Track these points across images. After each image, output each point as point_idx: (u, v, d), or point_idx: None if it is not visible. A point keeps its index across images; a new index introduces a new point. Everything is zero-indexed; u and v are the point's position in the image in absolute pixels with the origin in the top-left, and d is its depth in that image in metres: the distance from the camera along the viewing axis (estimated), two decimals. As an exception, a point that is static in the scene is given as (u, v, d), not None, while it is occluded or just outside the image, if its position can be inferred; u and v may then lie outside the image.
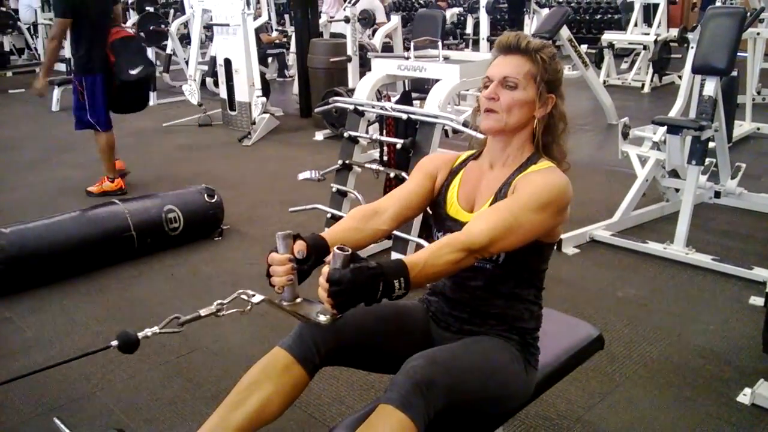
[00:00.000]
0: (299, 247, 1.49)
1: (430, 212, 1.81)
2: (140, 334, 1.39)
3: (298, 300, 1.48)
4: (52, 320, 3.10)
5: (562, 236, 3.71)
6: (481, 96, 1.65)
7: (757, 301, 3.08)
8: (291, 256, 1.47)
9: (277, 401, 1.59)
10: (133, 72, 4.63)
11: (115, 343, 1.40)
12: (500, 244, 1.49)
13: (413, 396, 1.40)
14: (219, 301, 1.49)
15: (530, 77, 1.60)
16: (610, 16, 12.34)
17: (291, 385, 1.60)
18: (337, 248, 1.33)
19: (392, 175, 3.57)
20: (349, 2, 7.19)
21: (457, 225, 1.64)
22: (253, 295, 1.47)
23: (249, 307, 1.48)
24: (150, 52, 8.72)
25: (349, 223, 1.68)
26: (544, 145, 1.66)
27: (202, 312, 1.47)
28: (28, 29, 11.74)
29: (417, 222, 3.29)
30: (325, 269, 1.33)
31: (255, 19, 6.93)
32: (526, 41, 1.61)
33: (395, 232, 3.33)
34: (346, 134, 3.67)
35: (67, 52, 10.24)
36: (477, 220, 1.51)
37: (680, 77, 5.43)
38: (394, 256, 3.32)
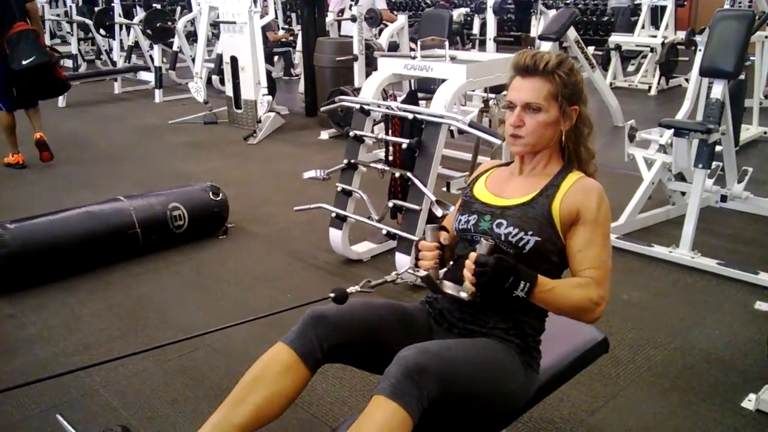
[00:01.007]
0: (446, 235, 1.75)
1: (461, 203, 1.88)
2: (350, 289, 1.68)
3: (442, 282, 1.71)
4: (55, 317, 3.10)
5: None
6: (507, 120, 1.73)
7: (763, 306, 3.06)
8: (438, 244, 1.71)
9: (279, 398, 1.59)
10: (25, 62, 5.13)
11: (332, 295, 1.65)
12: (608, 287, 1.66)
13: (404, 384, 1.41)
14: (396, 272, 1.83)
15: (551, 98, 1.66)
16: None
17: (293, 382, 1.61)
18: (484, 238, 1.60)
19: (397, 174, 3.56)
20: (354, 1, 7.18)
21: (486, 207, 1.74)
22: (419, 270, 1.72)
23: (416, 279, 1.87)
24: (156, 49, 8.75)
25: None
26: (572, 150, 1.75)
27: (387, 278, 1.80)
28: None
29: (422, 221, 3.28)
30: (473, 254, 1.53)
31: (262, 17, 6.92)
32: (544, 63, 1.65)
33: (398, 232, 3.32)
34: (351, 133, 3.66)
35: (73, 48, 10.36)
36: (590, 273, 1.63)
37: (687, 80, 5.42)
38: (398, 256, 3.32)
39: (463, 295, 1.63)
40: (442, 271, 1.76)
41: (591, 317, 1.61)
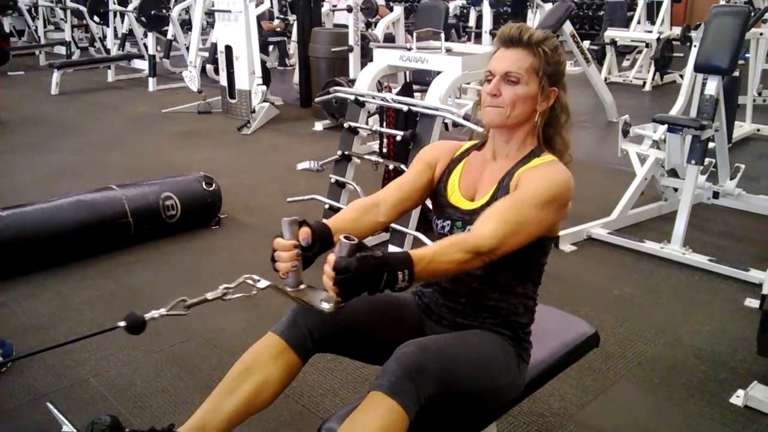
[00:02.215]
0: (305, 234, 1.52)
1: (430, 201, 1.81)
2: (147, 316, 1.40)
3: (302, 286, 1.48)
4: (47, 305, 3.09)
5: (560, 233, 3.70)
6: (483, 90, 1.65)
7: (753, 303, 3.08)
8: (296, 242, 1.50)
9: (270, 387, 1.59)
10: None
11: (122, 324, 1.41)
12: (508, 246, 1.49)
13: (403, 382, 1.40)
14: (225, 285, 1.49)
15: (532, 71, 1.59)
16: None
17: (284, 371, 1.61)
18: (344, 237, 1.36)
19: (391, 167, 3.56)
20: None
21: (458, 212, 1.66)
22: (258, 281, 1.47)
23: (254, 292, 1.47)
24: (150, 37, 8.70)
25: (349, 214, 1.70)
26: (546, 137, 1.66)
27: (209, 295, 1.46)
28: (29, 11, 11.67)
29: (415, 215, 3.28)
30: (331, 257, 1.35)
31: (257, 6, 6.88)
32: (528, 34, 1.60)
33: (393, 225, 3.32)
34: (345, 125, 3.65)
35: (66, 35, 10.30)
36: (484, 222, 1.50)
37: (682, 76, 5.43)
38: (392, 249, 3.32)
39: (325, 306, 1.40)
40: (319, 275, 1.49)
41: (472, 267, 1.48)
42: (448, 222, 1.68)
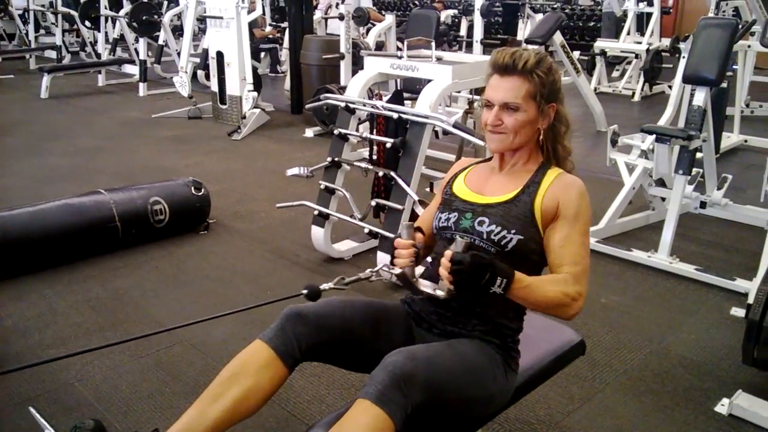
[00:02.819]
0: (420, 238, 1.77)
1: (441, 201, 1.87)
2: (322, 286, 1.72)
3: (415, 279, 1.70)
4: (32, 309, 3.07)
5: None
6: (483, 118, 1.73)
7: (739, 312, 3.10)
8: (413, 242, 1.71)
9: (256, 395, 1.59)
10: None
11: (305, 291, 1.71)
12: (587, 282, 1.66)
13: (391, 390, 1.41)
14: (371, 269, 1.84)
15: (530, 98, 1.66)
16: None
17: (270, 379, 1.60)
18: (459, 236, 1.60)
19: (381, 174, 3.56)
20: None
21: (467, 204, 1.74)
22: (393, 268, 1.71)
23: (391, 277, 1.75)
24: (141, 43, 8.69)
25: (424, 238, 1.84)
26: (549, 147, 1.75)
27: (362, 275, 1.81)
28: (21, 16, 11.63)
29: (404, 221, 3.28)
30: (448, 252, 1.51)
31: (249, 12, 6.89)
32: (523, 62, 1.64)
33: (381, 231, 3.32)
34: (336, 131, 3.65)
35: (57, 39, 10.27)
36: (568, 268, 1.63)
37: (670, 87, 5.46)
38: (380, 255, 3.32)
39: (440, 293, 1.62)
40: (418, 270, 1.76)
41: (568, 313, 1.60)
42: (455, 214, 1.74)
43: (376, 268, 1.83)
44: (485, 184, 1.77)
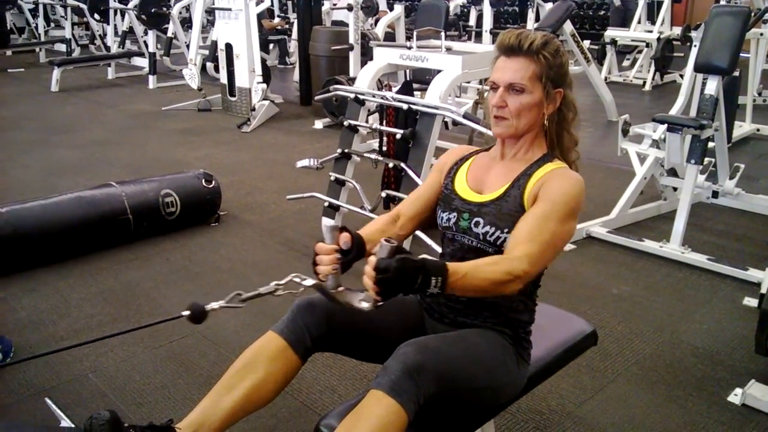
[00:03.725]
0: (346, 239, 1.57)
1: (441, 196, 1.81)
2: (207, 307, 1.53)
3: (341, 288, 1.53)
4: (46, 301, 3.10)
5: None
6: (488, 100, 1.67)
7: (751, 302, 3.08)
8: (337, 246, 1.54)
9: (269, 385, 1.60)
10: None
11: (187, 313, 1.52)
12: (540, 265, 1.55)
13: (403, 381, 1.41)
14: (276, 282, 1.58)
15: (536, 79, 1.60)
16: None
17: (283, 370, 1.61)
18: (385, 240, 1.40)
19: (391, 165, 3.56)
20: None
21: (465, 204, 1.68)
22: (305, 279, 1.55)
23: (301, 290, 1.56)
24: (150, 35, 8.70)
25: (376, 226, 1.77)
26: (554, 135, 1.68)
27: (262, 290, 1.57)
28: (32, 11, 11.67)
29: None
30: (372, 258, 1.37)
31: (257, 4, 6.88)
32: (528, 42, 1.59)
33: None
34: (345, 123, 3.65)
35: (67, 32, 10.30)
36: (516, 246, 1.52)
37: (682, 76, 5.43)
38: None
39: (365, 305, 1.45)
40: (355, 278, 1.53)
41: (505, 290, 1.48)
42: (455, 214, 1.69)
43: (283, 280, 1.58)
44: (485, 178, 1.71)
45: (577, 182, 1.60)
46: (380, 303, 1.42)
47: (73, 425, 1.89)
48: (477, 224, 1.63)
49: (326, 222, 1.56)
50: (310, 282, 1.54)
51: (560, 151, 1.69)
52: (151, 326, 1.65)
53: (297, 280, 1.56)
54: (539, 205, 1.57)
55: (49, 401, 2.11)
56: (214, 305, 1.53)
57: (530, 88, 1.60)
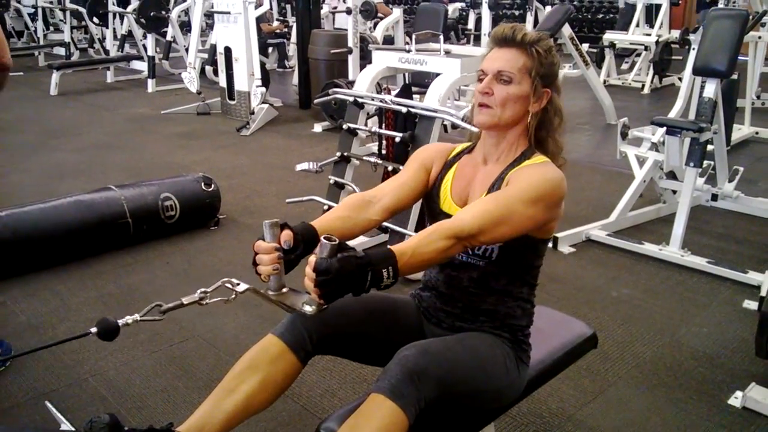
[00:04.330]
0: (286, 236, 1.48)
1: (424, 204, 1.80)
2: (121, 322, 1.38)
3: (285, 290, 1.46)
4: (45, 305, 3.09)
5: (558, 235, 3.71)
6: (475, 89, 1.64)
7: (751, 305, 3.08)
8: (278, 245, 1.46)
9: (269, 389, 1.59)
10: None
11: (94, 330, 1.39)
12: (490, 234, 1.47)
13: (405, 385, 1.40)
14: (203, 290, 1.47)
15: (525, 71, 1.58)
16: (612, 15, 12.31)
17: (283, 373, 1.61)
18: (324, 238, 1.32)
19: (390, 168, 3.56)
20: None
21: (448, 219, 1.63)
22: (238, 284, 1.45)
23: (233, 296, 1.46)
24: (149, 39, 8.71)
25: (342, 212, 1.66)
26: (539, 140, 1.64)
27: (185, 300, 1.44)
28: (31, 15, 11.67)
29: (414, 215, 3.29)
30: (312, 259, 1.32)
31: (256, 8, 6.89)
32: (522, 34, 1.59)
33: (391, 226, 3.32)
34: (344, 126, 3.65)
35: (66, 36, 10.30)
36: (467, 209, 1.50)
37: (680, 79, 5.43)
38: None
39: (307, 308, 1.39)
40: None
41: (453, 253, 1.46)
42: None
43: (212, 287, 1.48)
44: (470, 185, 1.67)
45: (552, 172, 1.56)
46: (325, 306, 1.36)
47: (73, 429, 1.88)
48: None
49: (266, 221, 1.45)
50: (243, 287, 1.44)
51: (544, 156, 1.64)
52: (57, 344, 1.55)
53: (229, 285, 1.46)
54: (507, 187, 1.54)
55: (49, 405, 2.11)
56: (129, 319, 1.40)
57: (518, 79, 1.58)
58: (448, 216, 1.61)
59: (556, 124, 1.65)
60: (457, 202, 1.67)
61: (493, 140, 1.66)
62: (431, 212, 1.73)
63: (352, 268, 1.30)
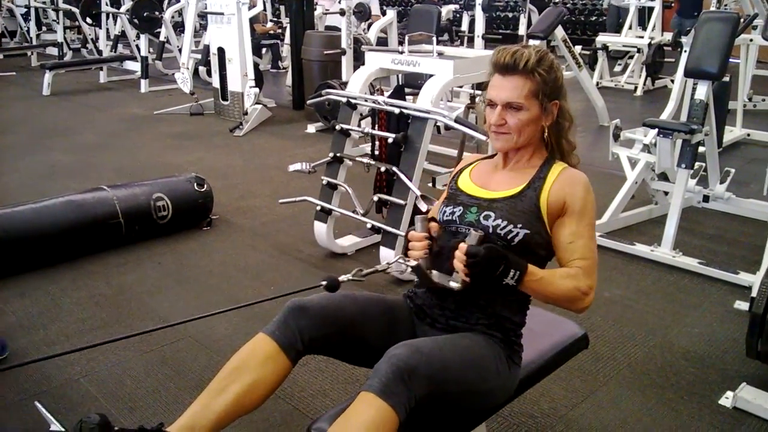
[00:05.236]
0: (435, 228, 1.74)
1: (446, 196, 1.88)
2: (341, 278, 1.71)
3: (432, 272, 1.69)
4: (37, 305, 3.08)
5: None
6: (487, 117, 1.73)
7: (742, 305, 3.09)
8: (427, 234, 1.71)
9: (259, 388, 1.59)
10: None
11: (324, 283, 1.69)
12: (595, 276, 1.67)
13: (394, 384, 1.41)
14: (387, 261, 1.89)
15: (532, 96, 1.67)
16: (605, 18, 12.34)
17: (274, 372, 1.61)
18: (473, 229, 1.61)
19: (383, 169, 3.56)
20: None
21: (473, 199, 1.75)
22: (409, 261, 1.72)
23: (406, 270, 1.75)
24: (143, 39, 8.68)
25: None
26: (555, 143, 1.76)
27: (379, 267, 1.84)
28: (24, 15, 11.62)
29: (406, 217, 3.29)
30: (463, 245, 1.54)
31: (250, 8, 6.88)
32: (524, 61, 1.64)
33: (383, 226, 3.33)
34: (337, 127, 3.65)
35: (59, 36, 10.27)
36: (578, 263, 1.65)
37: (673, 81, 5.45)
38: (383, 250, 3.32)
39: (454, 284, 1.62)
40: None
41: (579, 306, 1.64)
42: (460, 207, 1.74)
43: (392, 260, 1.85)
44: (490, 179, 1.78)
45: (589, 185, 1.72)
46: (468, 284, 1.58)
47: (63, 429, 1.87)
48: (487, 217, 1.68)
49: (420, 214, 1.81)
50: (413, 263, 1.69)
51: (561, 156, 1.77)
52: (246, 307, 1.76)
53: (401, 261, 1.76)
54: (575, 220, 1.67)
55: (39, 405, 2.09)
56: (344, 278, 1.72)
57: (527, 105, 1.66)
58: (469, 195, 1.77)
59: (567, 127, 1.76)
60: (478, 185, 1.79)
61: (512, 152, 1.77)
62: (450, 196, 1.82)
63: (495, 256, 1.52)
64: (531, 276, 1.56)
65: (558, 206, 1.67)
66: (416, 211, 3.21)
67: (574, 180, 1.71)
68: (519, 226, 1.65)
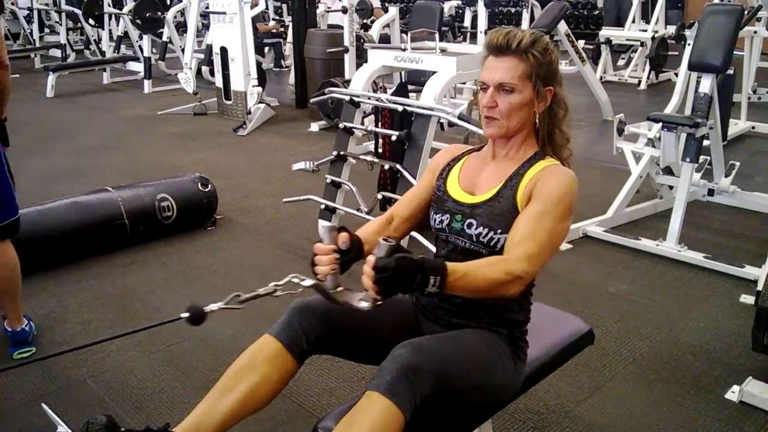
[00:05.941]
0: (343, 239, 1.57)
1: (433, 198, 1.81)
2: (206, 308, 1.54)
3: (340, 288, 1.53)
4: (43, 307, 3.09)
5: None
6: (479, 101, 1.66)
7: (748, 299, 3.09)
8: (335, 246, 1.54)
9: (265, 388, 1.59)
10: None
11: (185, 315, 1.53)
12: (540, 264, 1.53)
13: (399, 382, 1.41)
14: (275, 283, 1.58)
15: (525, 78, 1.60)
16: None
17: (280, 372, 1.61)
18: (383, 239, 1.40)
19: (387, 167, 3.56)
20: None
21: (458, 206, 1.68)
22: (304, 279, 1.55)
23: (300, 290, 1.56)
24: (145, 40, 8.70)
25: (371, 228, 1.77)
26: (546, 133, 1.68)
27: (261, 291, 1.57)
28: (26, 17, 11.65)
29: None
30: (371, 258, 1.37)
31: (252, 7, 6.88)
32: (517, 41, 1.59)
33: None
34: (341, 125, 3.65)
35: (62, 38, 10.29)
36: (515, 246, 1.52)
37: (677, 74, 5.43)
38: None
39: (364, 304, 1.45)
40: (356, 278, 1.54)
41: (507, 292, 1.49)
42: (447, 216, 1.69)
43: (282, 281, 1.59)
44: (477, 178, 1.71)
45: (571, 179, 1.60)
46: (379, 302, 1.42)
47: (69, 430, 1.88)
48: (470, 225, 1.63)
49: (323, 223, 1.52)
50: (309, 282, 1.54)
51: (552, 148, 1.69)
52: (149, 329, 1.65)
53: (296, 280, 1.56)
54: (534, 205, 1.57)
55: (45, 407, 2.10)
56: (213, 307, 1.54)
57: (520, 87, 1.59)
58: (456, 201, 1.69)
59: (561, 116, 1.68)
60: (464, 188, 1.70)
61: (502, 141, 1.70)
62: (437, 201, 1.75)
63: (407, 268, 1.36)
64: (454, 275, 1.40)
65: (529, 194, 1.60)
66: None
67: (553, 172, 1.62)
68: (499, 231, 1.59)
